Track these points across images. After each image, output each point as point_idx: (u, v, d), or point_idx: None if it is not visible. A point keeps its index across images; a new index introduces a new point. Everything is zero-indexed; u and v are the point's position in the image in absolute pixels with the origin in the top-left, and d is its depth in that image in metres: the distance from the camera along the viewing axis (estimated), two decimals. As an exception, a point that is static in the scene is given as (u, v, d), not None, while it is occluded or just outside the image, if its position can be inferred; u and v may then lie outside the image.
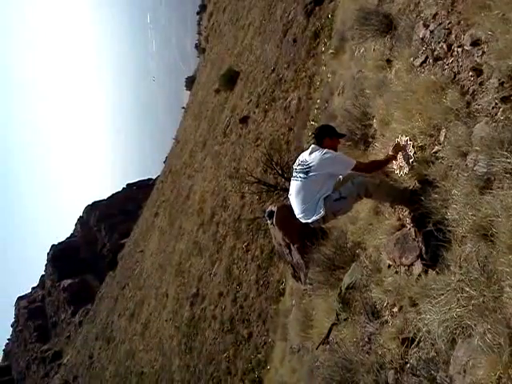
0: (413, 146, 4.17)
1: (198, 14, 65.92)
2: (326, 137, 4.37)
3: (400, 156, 4.27)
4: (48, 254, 65.38)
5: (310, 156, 4.19)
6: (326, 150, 4.17)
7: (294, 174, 4.28)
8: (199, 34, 62.37)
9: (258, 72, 21.90)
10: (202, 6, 62.95)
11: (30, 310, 61.91)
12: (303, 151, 4.49)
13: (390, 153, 4.34)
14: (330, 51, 11.10)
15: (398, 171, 4.33)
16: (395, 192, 4.23)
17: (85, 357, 37.03)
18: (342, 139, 4.95)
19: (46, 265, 65.98)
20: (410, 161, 4.16)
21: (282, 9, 21.42)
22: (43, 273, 67.52)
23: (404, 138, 4.24)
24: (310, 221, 4.16)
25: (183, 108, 50.62)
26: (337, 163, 4.16)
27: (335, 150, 4.41)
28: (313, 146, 4.30)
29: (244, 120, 21.12)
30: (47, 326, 57.04)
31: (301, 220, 4.28)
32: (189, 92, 52.52)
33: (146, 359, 22.23)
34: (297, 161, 4.35)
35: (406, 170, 4.22)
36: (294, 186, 4.25)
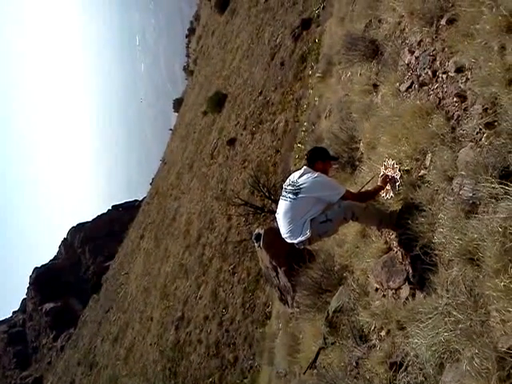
0: (399, 170, 4.21)
1: (186, 36, 66.75)
2: (318, 160, 4.40)
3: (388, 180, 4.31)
4: (30, 276, 64.17)
5: (301, 177, 4.21)
6: (317, 174, 4.21)
7: (284, 193, 4.29)
8: (188, 56, 63.00)
9: (246, 95, 22.11)
10: (191, 29, 63.81)
11: (10, 334, 60.38)
12: (294, 171, 4.51)
13: (379, 183, 4.37)
14: (317, 75, 11.26)
15: (384, 194, 4.37)
16: (382, 215, 4.24)
17: (66, 383, 36.11)
18: (334, 162, 5.00)
19: (27, 288, 64.69)
20: (397, 184, 4.20)
21: (269, 33, 21.78)
22: (25, 296, 66.19)
23: (390, 162, 4.28)
24: (295, 241, 4.20)
25: (170, 129, 50.70)
26: (327, 189, 4.17)
27: (327, 173, 4.46)
28: (305, 167, 4.33)
29: (231, 142, 21.23)
30: (28, 352, 55.62)
31: (286, 240, 4.30)
32: (176, 114, 52.70)
33: (129, 385, 21.76)
34: (287, 180, 4.36)
35: (392, 193, 4.26)
36: (283, 205, 4.26)
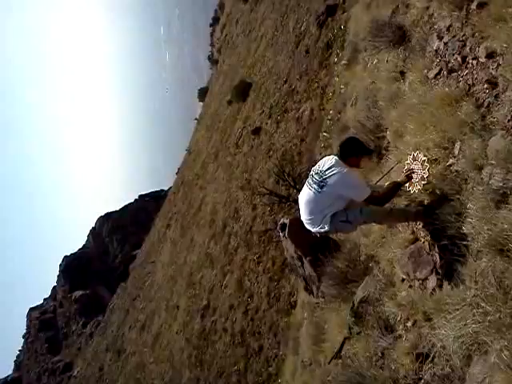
0: (428, 170, 4.07)
1: (211, 26, 66.58)
2: (352, 156, 4.18)
3: (414, 172, 4.20)
4: (60, 265, 65.65)
5: (329, 170, 4.06)
6: (346, 170, 4.05)
7: (310, 180, 4.21)
8: (212, 45, 62.97)
9: (271, 83, 21.99)
10: (215, 19, 63.64)
11: (42, 321, 61.98)
12: (324, 156, 4.40)
13: (402, 177, 4.24)
14: (343, 62, 11.11)
15: (410, 188, 4.25)
16: (407, 215, 4.21)
17: (95, 369, 36.92)
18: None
19: (57, 276, 66.19)
20: (425, 176, 4.08)
21: (294, 20, 21.54)
22: (55, 284, 67.82)
23: (421, 157, 4.11)
24: (313, 230, 4.26)
25: (196, 119, 50.86)
26: (352, 189, 4.08)
27: (358, 165, 4.34)
28: (336, 158, 4.14)
29: (256, 131, 21.16)
30: (58, 338, 57.07)
31: (305, 225, 4.35)
32: (201, 103, 52.81)
33: (156, 371, 22.12)
34: (316, 166, 4.26)
35: (419, 187, 4.14)
36: (306, 193, 4.23)
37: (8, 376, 61.62)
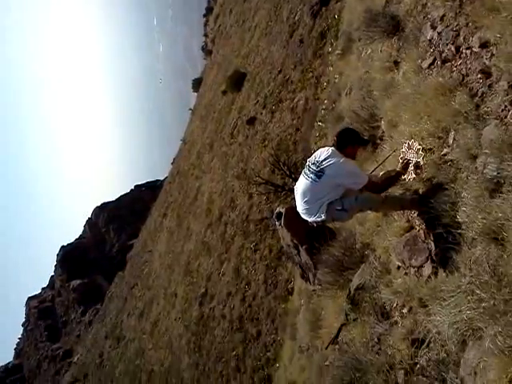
0: (423, 158, 4.16)
1: (204, 16, 66.05)
2: (348, 145, 4.26)
3: (410, 161, 4.28)
4: (57, 254, 65.68)
5: (326, 160, 4.11)
6: (343, 159, 4.12)
7: (306, 170, 4.24)
8: (206, 36, 62.47)
9: (265, 73, 21.90)
10: (209, 9, 63.09)
11: (41, 309, 62.19)
12: (321, 147, 4.44)
13: (399, 168, 4.35)
14: (337, 52, 11.10)
15: (405, 176, 4.34)
16: (402, 203, 4.26)
17: (95, 355, 37.10)
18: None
19: (55, 265, 66.27)
20: (420, 164, 4.17)
21: (288, 10, 21.42)
22: (53, 273, 67.89)
23: (416, 145, 4.22)
24: (309, 219, 4.30)
25: (190, 109, 50.57)
26: (350, 177, 4.14)
27: (354, 156, 4.41)
28: (332, 149, 4.20)
29: (251, 121, 21.11)
30: (57, 326, 57.32)
31: (301, 215, 4.39)
32: (196, 93, 52.51)
33: (155, 357, 22.29)
34: (312, 157, 4.28)
35: (414, 175, 4.23)
36: (303, 183, 4.26)
37: (9, 363, 62.20)
